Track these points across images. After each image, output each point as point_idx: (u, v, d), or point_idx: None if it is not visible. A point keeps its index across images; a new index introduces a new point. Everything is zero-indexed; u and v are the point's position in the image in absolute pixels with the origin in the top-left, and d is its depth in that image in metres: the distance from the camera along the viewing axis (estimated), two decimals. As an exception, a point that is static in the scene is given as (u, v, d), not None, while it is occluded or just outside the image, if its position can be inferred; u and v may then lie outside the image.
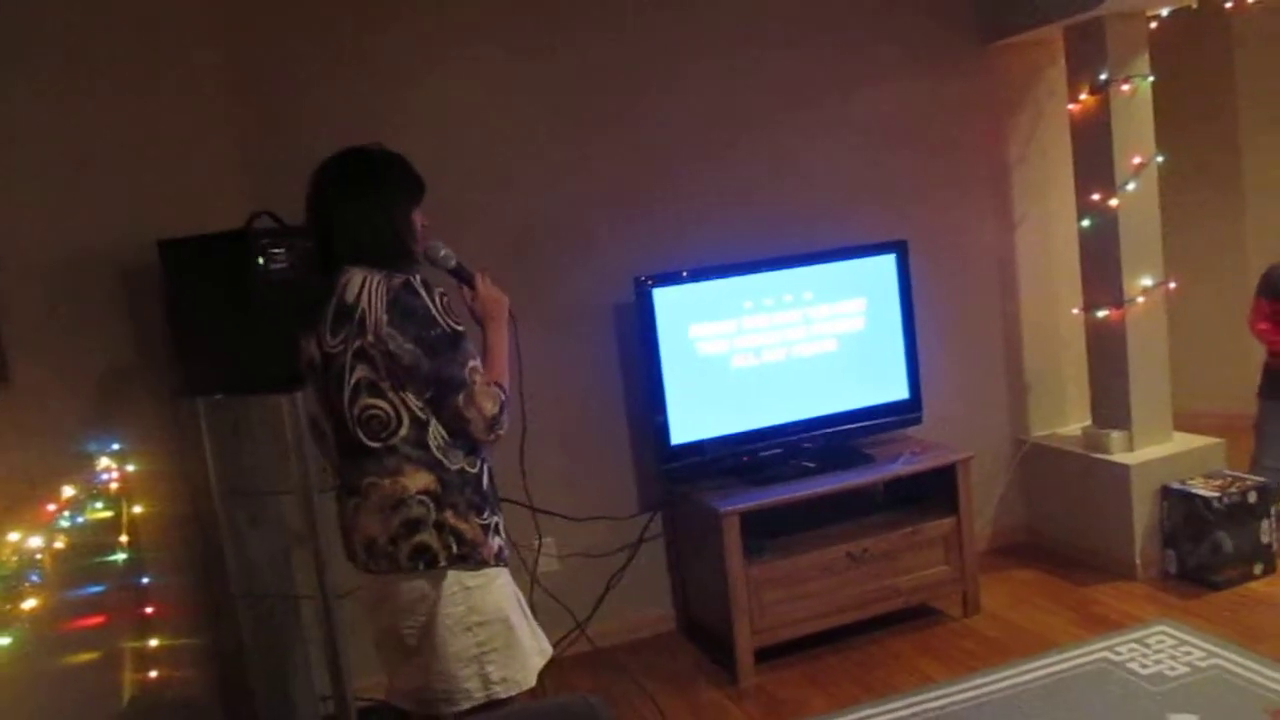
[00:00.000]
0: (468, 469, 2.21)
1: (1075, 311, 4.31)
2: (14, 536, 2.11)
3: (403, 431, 2.14)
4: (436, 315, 2.13)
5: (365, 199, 2.21)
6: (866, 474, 3.81)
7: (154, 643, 2.95)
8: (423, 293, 2.13)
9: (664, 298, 3.67)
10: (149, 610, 2.96)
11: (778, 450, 3.86)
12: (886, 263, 3.97)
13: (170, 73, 3.24)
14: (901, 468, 3.83)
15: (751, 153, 4.02)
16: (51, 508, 2.42)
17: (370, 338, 2.10)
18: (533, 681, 2.29)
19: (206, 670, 3.25)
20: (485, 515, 2.23)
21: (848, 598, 3.72)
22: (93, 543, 2.70)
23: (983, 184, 4.41)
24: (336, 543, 3.20)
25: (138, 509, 2.96)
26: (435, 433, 2.16)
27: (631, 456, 3.96)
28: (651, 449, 3.82)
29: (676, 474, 3.80)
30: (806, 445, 3.89)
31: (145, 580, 2.97)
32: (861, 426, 3.98)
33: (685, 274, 3.72)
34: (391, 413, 2.13)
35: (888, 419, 4.03)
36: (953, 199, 4.35)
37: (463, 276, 2.39)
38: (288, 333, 2.88)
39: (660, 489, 3.95)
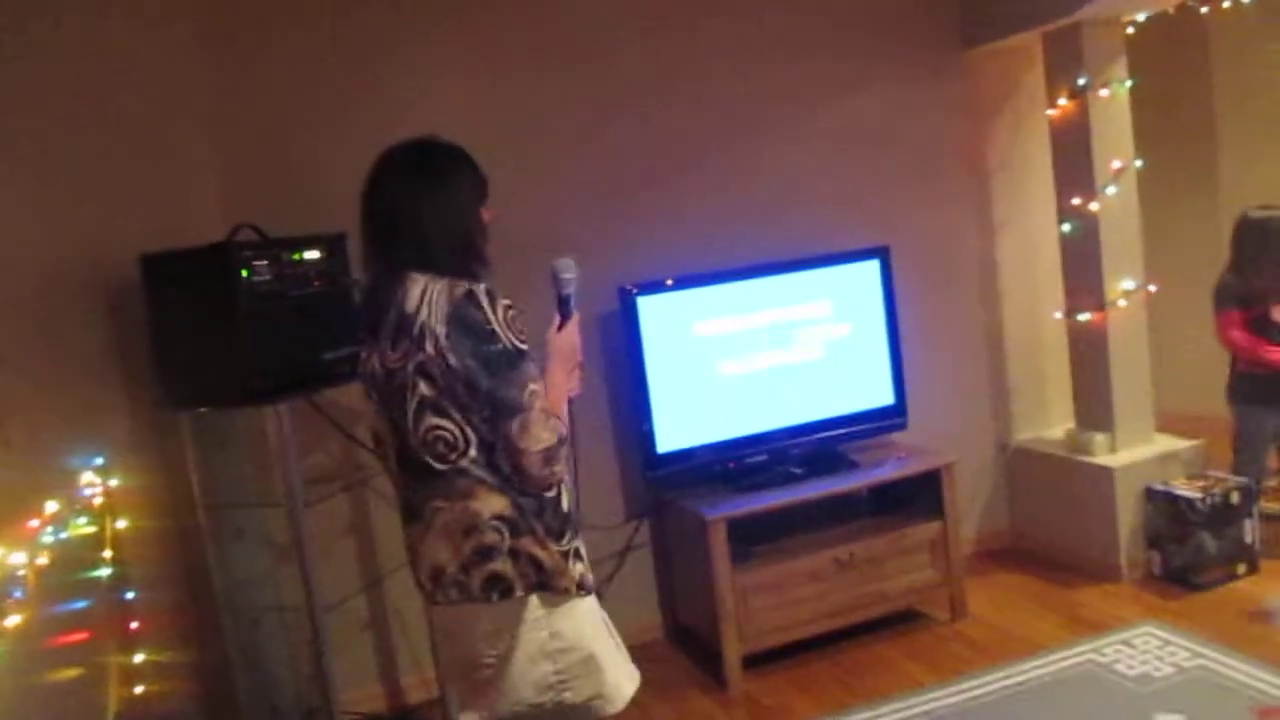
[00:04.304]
0: (547, 491, 2.01)
1: (1057, 315, 4.34)
2: (-3, 553, 2.09)
3: (471, 453, 1.96)
4: (497, 329, 1.94)
5: (436, 195, 2.02)
6: (852, 479, 3.82)
7: (139, 658, 2.93)
8: (485, 303, 1.94)
9: (648, 306, 3.68)
10: (134, 625, 2.94)
11: (764, 457, 3.87)
12: (870, 268, 3.99)
13: (152, 85, 3.23)
14: (887, 473, 3.84)
15: (735, 160, 4.03)
16: (35, 523, 2.40)
17: (431, 351, 1.93)
18: (617, 708, 2.11)
19: (192, 685, 3.23)
20: (565, 540, 2.03)
21: (835, 603, 3.73)
22: (77, 558, 2.68)
23: (964, 189, 4.44)
24: (322, 555, 3.23)
25: (122, 524, 2.94)
26: (503, 456, 1.96)
27: (618, 464, 3.96)
28: (637, 457, 3.82)
29: (663, 481, 3.81)
30: (793, 451, 3.90)
31: (130, 595, 2.96)
32: (847, 432, 3.99)
33: (670, 282, 3.73)
34: (457, 433, 1.95)
35: (873, 424, 4.05)
36: (934, 204, 4.37)
37: (565, 309, 2.18)
38: (271, 345, 2.91)
39: (647, 496, 3.96)
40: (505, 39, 3.71)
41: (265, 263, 2.94)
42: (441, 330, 1.93)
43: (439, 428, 1.96)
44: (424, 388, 1.95)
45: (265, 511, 3.19)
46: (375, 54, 3.54)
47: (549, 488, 2.01)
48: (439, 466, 1.97)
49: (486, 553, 1.97)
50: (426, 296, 1.96)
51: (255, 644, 3.26)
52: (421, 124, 3.59)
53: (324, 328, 3.04)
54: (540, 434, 1.93)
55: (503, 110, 3.69)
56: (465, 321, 1.93)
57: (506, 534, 1.98)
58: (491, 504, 1.98)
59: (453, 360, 1.93)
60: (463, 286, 1.96)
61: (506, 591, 1.98)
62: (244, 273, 2.87)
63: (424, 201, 2.03)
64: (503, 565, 1.98)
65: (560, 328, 2.17)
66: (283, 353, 2.95)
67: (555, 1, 3.77)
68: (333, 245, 3.14)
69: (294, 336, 2.98)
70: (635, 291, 3.66)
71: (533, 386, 1.95)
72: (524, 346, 1.97)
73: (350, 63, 3.51)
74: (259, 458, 3.14)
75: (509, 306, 1.98)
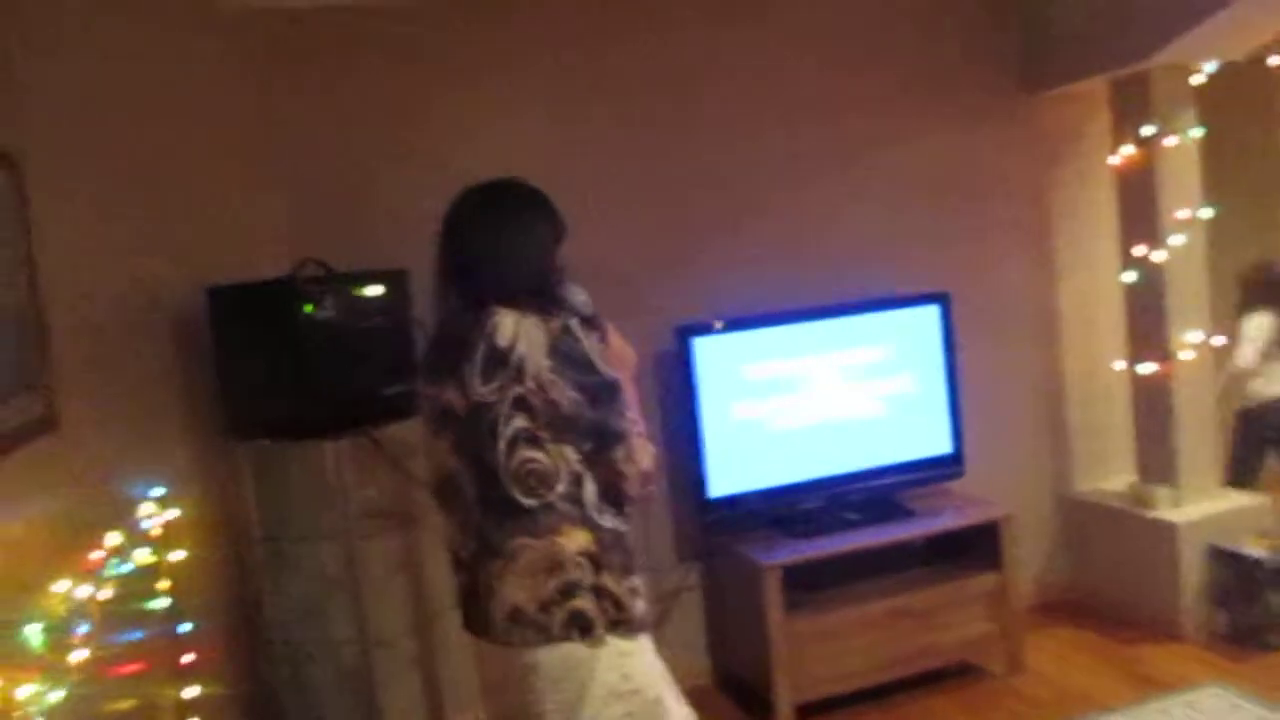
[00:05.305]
0: (620, 527, 2.05)
1: (1118, 365, 4.26)
2: (64, 585, 2.09)
3: (560, 487, 1.98)
4: (596, 361, 2.01)
5: (523, 235, 2.08)
6: (909, 528, 3.76)
7: (193, 691, 2.92)
8: (582, 337, 2.01)
9: (705, 347, 3.66)
10: (188, 658, 2.93)
11: (819, 503, 3.81)
12: (930, 314, 3.94)
13: (216, 120, 3.28)
14: (945, 523, 3.78)
15: (796, 203, 4.02)
16: (99, 554, 2.41)
17: (531, 384, 1.96)
18: None
19: (245, 718, 3.21)
20: (632, 577, 2.07)
21: (889, 654, 3.66)
22: (135, 589, 2.68)
23: (1026, 235, 4.38)
24: (372, 590, 3.21)
25: (180, 555, 2.94)
26: (589, 488, 2.01)
27: (670, 507, 3.92)
28: (691, 500, 3.79)
29: (716, 526, 3.77)
30: (848, 498, 3.84)
31: (185, 627, 2.95)
32: (903, 480, 3.93)
33: (724, 325, 3.71)
34: (551, 466, 1.98)
35: (930, 473, 3.98)
36: (996, 250, 4.32)
37: (596, 325, 2.18)
38: (333, 380, 2.92)
39: (699, 540, 3.91)
40: (568, 81, 3.73)
41: (329, 297, 2.95)
42: (546, 364, 1.97)
43: (533, 460, 1.98)
44: (520, 420, 1.97)
45: (319, 545, 3.18)
46: (441, 93, 3.57)
47: (641, 502, 2.13)
48: (528, 502, 1.98)
49: (570, 590, 1.98)
50: (521, 330, 1.98)
51: (308, 678, 3.24)
52: (483, 163, 3.63)
53: (384, 363, 3.05)
54: (642, 458, 2.06)
55: (563, 149, 3.69)
56: (568, 355, 1.99)
57: (589, 570, 1.99)
58: (577, 539, 1.99)
59: (554, 393, 1.97)
60: (558, 320, 2.01)
61: (587, 629, 1.98)
62: (307, 307, 2.89)
63: (507, 240, 2.07)
64: (585, 602, 1.98)
65: (605, 346, 2.15)
66: (344, 387, 2.95)
67: (619, 47, 3.79)
68: (395, 281, 3.15)
69: (355, 371, 2.98)
70: (691, 332, 3.64)
71: (631, 414, 2.04)
72: (618, 377, 2.04)
73: (416, 102, 3.54)
74: (316, 491, 3.13)
75: (600, 338, 2.06)
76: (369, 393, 3.02)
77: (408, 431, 3.27)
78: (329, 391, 2.92)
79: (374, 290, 3.09)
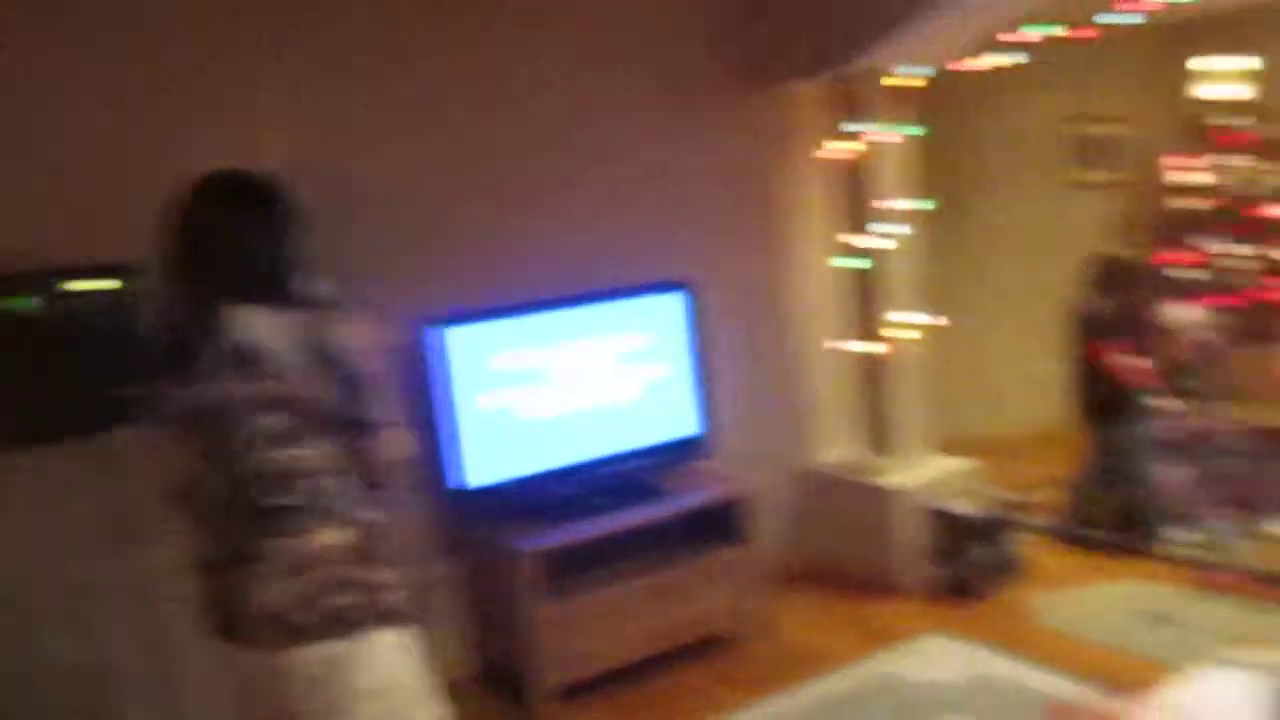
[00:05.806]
0: (379, 519, 2.04)
1: (836, 345, 4.58)
2: None
3: (315, 483, 1.94)
4: (347, 353, 1.97)
5: (260, 226, 2.00)
6: (658, 508, 3.86)
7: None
8: (331, 330, 1.97)
9: (452, 338, 3.62)
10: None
11: (573, 489, 3.86)
12: (675, 301, 4.08)
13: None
14: (692, 501, 3.92)
15: (539, 194, 4.03)
16: None
17: (285, 381, 1.91)
18: None
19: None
20: (392, 570, 2.07)
21: (645, 632, 3.76)
22: None
23: (759, 225, 4.60)
24: (105, 611, 2.95)
25: None
26: (346, 481, 1.97)
27: (423, 500, 3.85)
28: (443, 493, 3.74)
29: (471, 516, 3.74)
30: (601, 483, 3.91)
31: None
32: (654, 462, 4.04)
33: (473, 313, 3.69)
34: (304, 463, 1.93)
35: (680, 454, 4.12)
36: (734, 239, 4.52)
37: (342, 315, 2.14)
38: (42, 383, 2.66)
39: (454, 532, 3.87)
40: (321, 65, 3.57)
41: (31, 294, 2.70)
42: (299, 360, 1.91)
43: (293, 458, 1.93)
44: (274, 418, 1.92)
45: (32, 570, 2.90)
46: (171, 69, 3.32)
47: (399, 490, 2.13)
48: (280, 501, 1.92)
49: (333, 586, 1.94)
50: (265, 326, 1.92)
51: (27, 708, 2.95)
52: (221, 149, 3.40)
53: (106, 364, 2.80)
54: (397, 448, 2.07)
55: (312, 136, 3.53)
56: (319, 349, 1.94)
57: (354, 565, 1.96)
58: (335, 535, 1.96)
59: (305, 389, 1.91)
60: (303, 314, 1.95)
61: (352, 626, 1.95)
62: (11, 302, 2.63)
63: (243, 233, 1.99)
64: (350, 598, 1.95)
65: (353, 330, 2.11)
66: (56, 390, 2.71)
67: (353, 15, 3.66)
68: (118, 275, 2.89)
69: (69, 373, 2.74)
70: (436, 322, 3.60)
71: (384, 404, 2.02)
72: (368, 367, 2.01)
73: (144, 77, 3.28)
74: (26, 506, 2.85)
75: (352, 331, 2.02)
76: (89, 396, 2.77)
77: (137, 436, 3.04)
78: (34, 396, 2.67)
79: (90, 284, 2.84)
